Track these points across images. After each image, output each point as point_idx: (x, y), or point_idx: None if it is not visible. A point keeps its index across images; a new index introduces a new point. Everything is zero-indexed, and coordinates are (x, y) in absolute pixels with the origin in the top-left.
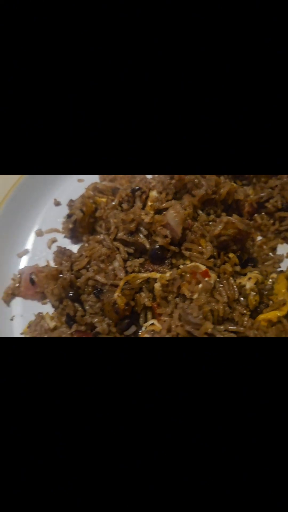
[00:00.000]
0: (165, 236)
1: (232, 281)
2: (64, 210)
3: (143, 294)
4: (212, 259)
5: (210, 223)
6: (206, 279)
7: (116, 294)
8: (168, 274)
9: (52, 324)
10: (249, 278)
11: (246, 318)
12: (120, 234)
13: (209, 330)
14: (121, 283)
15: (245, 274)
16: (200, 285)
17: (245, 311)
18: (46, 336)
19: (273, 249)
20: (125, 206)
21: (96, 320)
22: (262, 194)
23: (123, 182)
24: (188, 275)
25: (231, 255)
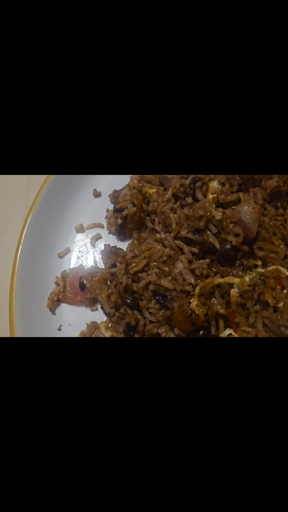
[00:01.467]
0: (237, 235)
1: None
2: (105, 202)
3: (214, 301)
4: (287, 259)
5: (279, 217)
6: None
7: (194, 303)
8: (247, 279)
9: (108, 334)
10: None
11: None
12: (183, 232)
13: None
14: (197, 290)
15: None
16: (285, 291)
17: None
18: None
19: None
20: (188, 200)
21: (162, 330)
22: None
23: None
24: (272, 280)
25: None
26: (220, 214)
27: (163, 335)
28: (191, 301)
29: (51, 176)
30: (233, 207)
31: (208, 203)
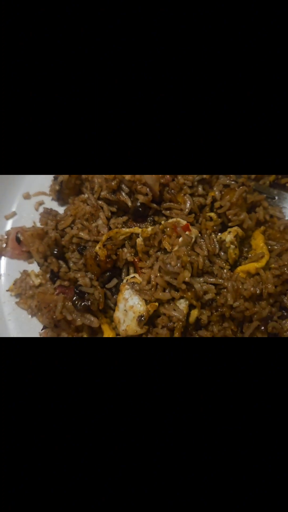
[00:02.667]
0: (146, 194)
1: (213, 236)
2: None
3: (125, 250)
4: (193, 215)
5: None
6: (187, 233)
7: (98, 247)
8: (150, 229)
9: (37, 281)
10: (229, 232)
11: (225, 271)
12: (103, 193)
13: (187, 279)
14: (104, 237)
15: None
16: (181, 239)
17: (225, 265)
18: (30, 292)
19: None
20: None
21: (79, 275)
22: None
23: None
24: (169, 229)
25: (211, 214)
26: (129, 175)
27: (80, 280)
28: (98, 247)
29: None
30: None
31: None
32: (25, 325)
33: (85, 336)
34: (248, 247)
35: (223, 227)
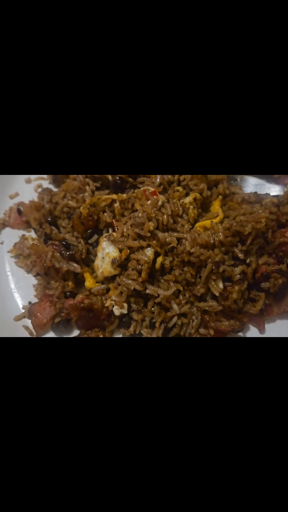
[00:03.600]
0: None
1: (177, 201)
2: None
3: (105, 214)
4: (162, 186)
5: None
6: (154, 197)
7: (81, 207)
8: (125, 195)
9: (32, 242)
10: (189, 195)
11: (186, 227)
12: None
13: (151, 228)
14: (87, 201)
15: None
16: (149, 201)
17: (186, 223)
18: (27, 251)
19: None
20: None
21: (67, 235)
22: None
23: None
24: (140, 194)
25: (178, 187)
26: None
27: (67, 237)
28: (81, 207)
29: None
30: None
31: None
32: (21, 280)
33: (70, 283)
34: (208, 213)
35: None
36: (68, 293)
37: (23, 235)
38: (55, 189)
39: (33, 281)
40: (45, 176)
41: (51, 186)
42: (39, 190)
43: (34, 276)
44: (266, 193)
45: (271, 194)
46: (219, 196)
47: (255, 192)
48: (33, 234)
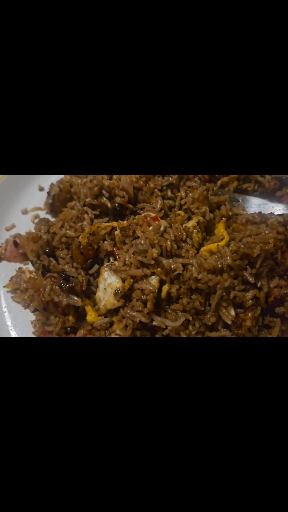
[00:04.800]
0: (123, 197)
1: (180, 226)
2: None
3: (106, 243)
4: (163, 211)
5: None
6: (156, 222)
7: (80, 237)
8: (125, 222)
9: (30, 275)
10: (192, 219)
11: (191, 252)
12: (88, 200)
13: (155, 255)
14: (87, 230)
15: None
16: (151, 227)
17: (190, 248)
18: (24, 285)
19: None
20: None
21: (66, 266)
22: None
23: None
24: (141, 220)
25: (180, 211)
26: (108, 181)
27: (67, 269)
28: (80, 236)
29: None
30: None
31: (100, 176)
32: (19, 316)
33: (70, 318)
34: (212, 236)
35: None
36: (69, 329)
37: (20, 268)
38: (52, 219)
39: (31, 317)
40: (41, 206)
41: (49, 217)
42: (36, 220)
43: (32, 312)
44: (271, 213)
45: (276, 213)
46: (223, 218)
47: (259, 212)
48: (30, 267)
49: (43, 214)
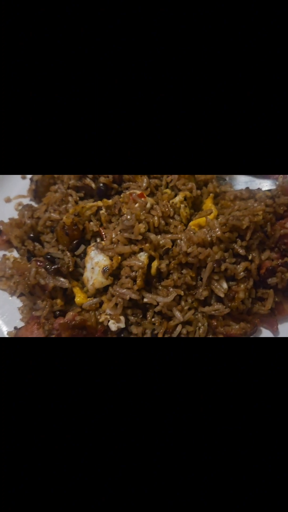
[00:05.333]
0: (107, 176)
1: (167, 202)
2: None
3: (92, 223)
4: (149, 189)
5: None
6: (142, 199)
7: (65, 217)
8: (110, 201)
9: (14, 263)
10: (178, 195)
11: (179, 227)
12: (71, 182)
13: (142, 230)
14: (71, 211)
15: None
16: (137, 205)
17: (178, 224)
18: (9, 271)
19: None
20: None
21: (51, 250)
22: None
23: None
24: (126, 198)
25: (166, 190)
26: None
27: (52, 251)
28: (64, 217)
29: None
30: None
31: None
32: (6, 304)
33: (59, 301)
34: (200, 212)
35: None
36: (58, 312)
37: (4, 255)
38: (36, 206)
39: (18, 303)
40: (25, 193)
41: (33, 203)
42: (20, 208)
43: (18, 297)
44: (258, 188)
45: (263, 189)
46: (210, 194)
47: (247, 188)
48: (15, 253)
49: (27, 201)
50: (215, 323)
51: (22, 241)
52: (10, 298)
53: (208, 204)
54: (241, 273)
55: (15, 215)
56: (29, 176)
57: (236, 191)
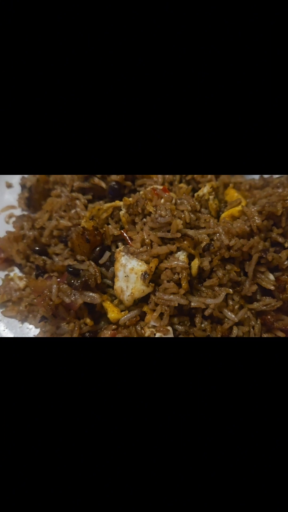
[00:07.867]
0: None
1: (191, 196)
2: (16, 191)
3: (110, 226)
4: (166, 184)
5: None
6: (166, 194)
7: (83, 221)
8: (130, 199)
9: (21, 283)
10: (205, 185)
11: (211, 221)
12: (76, 184)
13: (180, 226)
14: (88, 213)
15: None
16: (162, 200)
17: (210, 218)
18: (16, 294)
19: None
20: None
21: (67, 262)
22: None
23: None
24: (149, 194)
25: (181, 184)
26: None
27: (73, 264)
28: (83, 221)
29: None
30: None
31: None
32: (18, 333)
33: (88, 321)
34: (225, 203)
35: (194, 193)
36: (88, 334)
37: (7, 276)
38: (33, 215)
39: (34, 330)
40: (15, 204)
41: (27, 213)
42: (13, 220)
43: (39, 322)
44: (270, 175)
45: (274, 176)
46: (230, 184)
47: (261, 176)
48: (18, 272)
49: (18, 213)
50: (270, 319)
51: (26, 257)
52: (21, 325)
53: (233, 193)
54: (286, 261)
55: (7, 229)
56: (15, 184)
57: (250, 181)
